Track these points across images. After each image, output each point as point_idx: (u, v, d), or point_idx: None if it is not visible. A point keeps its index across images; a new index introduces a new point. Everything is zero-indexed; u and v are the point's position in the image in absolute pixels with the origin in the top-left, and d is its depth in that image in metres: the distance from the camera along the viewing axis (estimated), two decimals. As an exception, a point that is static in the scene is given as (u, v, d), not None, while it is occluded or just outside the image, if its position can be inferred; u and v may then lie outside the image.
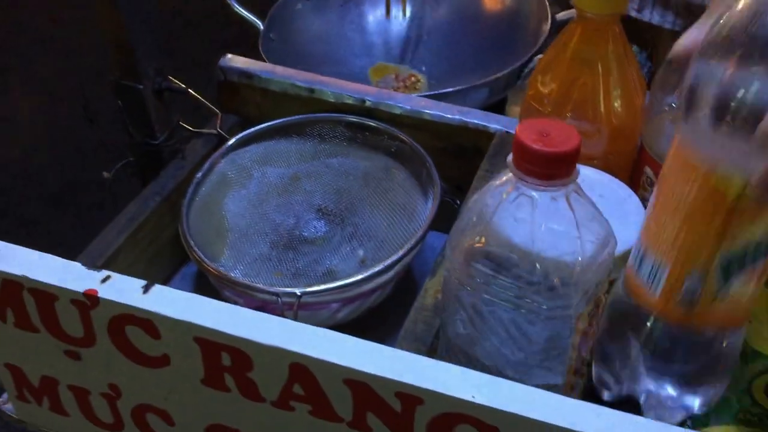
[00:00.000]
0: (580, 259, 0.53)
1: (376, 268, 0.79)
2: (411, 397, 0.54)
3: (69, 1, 3.04)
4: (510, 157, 0.53)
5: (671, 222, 0.55)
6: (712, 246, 0.54)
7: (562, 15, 1.10)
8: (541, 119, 0.53)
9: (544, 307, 0.54)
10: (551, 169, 0.51)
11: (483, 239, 0.55)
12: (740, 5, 0.49)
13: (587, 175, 0.72)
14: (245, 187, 0.94)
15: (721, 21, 0.49)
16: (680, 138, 0.54)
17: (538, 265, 0.54)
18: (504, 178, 0.54)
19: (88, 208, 2.33)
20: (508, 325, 0.56)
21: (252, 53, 1.07)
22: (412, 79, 1.24)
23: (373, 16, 1.29)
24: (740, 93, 0.48)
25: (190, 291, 0.90)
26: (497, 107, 1.07)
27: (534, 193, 0.53)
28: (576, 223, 0.53)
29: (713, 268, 0.55)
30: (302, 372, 0.56)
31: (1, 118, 2.67)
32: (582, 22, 0.73)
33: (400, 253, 0.81)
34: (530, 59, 1.07)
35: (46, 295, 0.59)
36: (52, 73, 2.80)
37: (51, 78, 2.79)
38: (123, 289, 0.58)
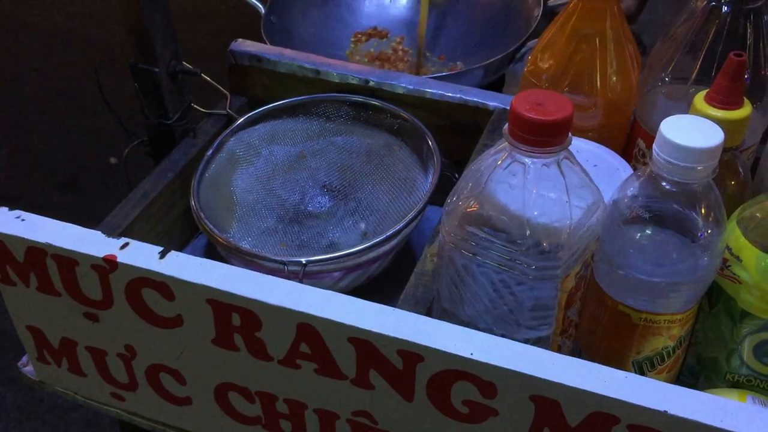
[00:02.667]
0: (568, 223, 0.55)
1: (377, 239, 0.81)
2: (412, 354, 0.56)
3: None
4: (506, 126, 0.55)
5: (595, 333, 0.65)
6: (625, 354, 0.64)
7: (553, 1, 1.12)
8: (537, 90, 0.55)
9: (533, 268, 0.56)
10: (543, 136, 0.53)
11: (477, 204, 0.57)
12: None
13: (582, 146, 0.74)
14: (253, 164, 0.96)
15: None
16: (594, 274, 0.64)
17: (528, 229, 0.56)
18: (499, 146, 0.56)
19: (94, 191, 2.35)
20: (498, 286, 0.58)
21: (239, 33, 1.09)
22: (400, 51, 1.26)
23: (370, 1, 1.31)
24: None
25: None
26: (490, 87, 1.09)
27: (527, 160, 0.55)
28: (566, 189, 0.55)
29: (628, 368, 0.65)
30: (309, 331, 0.58)
31: (13, 104, 2.69)
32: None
33: (400, 224, 0.82)
34: (523, 44, 1.08)
35: (68, 261, 0.61)
36: (68, 61, 2.82)
37: (66, 65, 2.80)
38: (140, 255, 0.61)
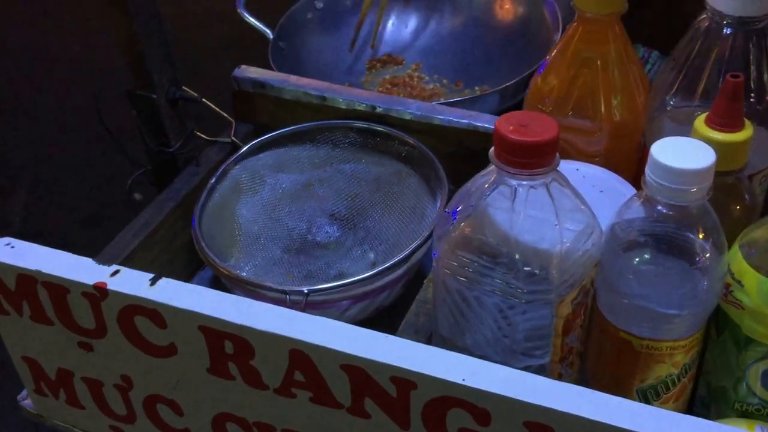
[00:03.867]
0: (559, 247, 0.58)
1: (383, 266, 0.84)
2: (405, 381, 0.59)
3: (82, 14, 3.13)
4: (492, 148, 0.58)
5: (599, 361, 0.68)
6: (629, 382, 0.67)
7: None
8: (522, 112, 0.58)
9: (525, 292, 0.59)
10: (528, 158, 0.56)
11: (467, 227, 0.60)
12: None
13: (589, 171, 0.76)
14: (258, 193, 1.00)
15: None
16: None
17: (517, 252, 0.58)
18: (488, 170, 0.59)
19: (119, 228, 2.39)
20: (492, 311, 0.61)
21: (262, 63, 1.12)
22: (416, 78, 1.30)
23: (382, 25, 1.34)
24: None
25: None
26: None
27: (514, 182, 0.58)
28: (556, 212, 0.58)
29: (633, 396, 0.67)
30: (302, 358, 0.61)
31: (33, 137, 2.75)
32: (582, 22, 0.77)
33: (407, 251, 0.85)
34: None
35: (58, 288, 0.65)
36: (88, 93, 2.87)
37: (87, 96, 2.86)
38: (131, 282, 0.64)
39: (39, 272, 0.65)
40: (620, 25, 0.77)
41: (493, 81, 1.24)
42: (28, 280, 0.65)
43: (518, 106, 1.16)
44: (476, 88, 1.26)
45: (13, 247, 0.66)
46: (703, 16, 0.72)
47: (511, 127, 0.56)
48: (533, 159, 0.56)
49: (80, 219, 2.46)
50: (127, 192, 0.98)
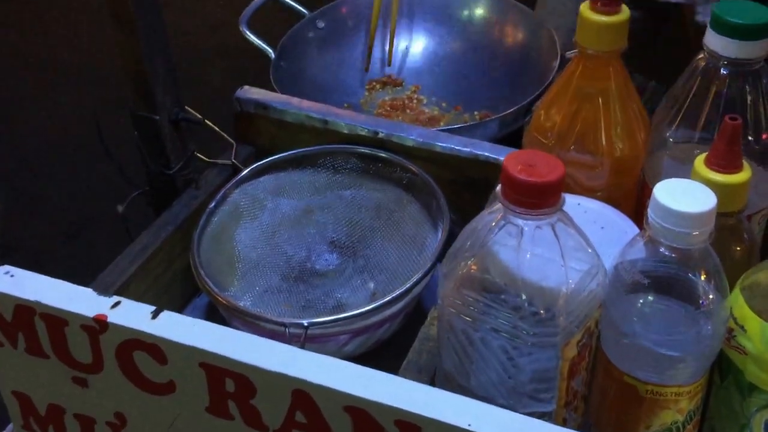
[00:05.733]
0: (564, 287, 0.58)
1: (383, 300, 0.83)
2: (409, 425, 0.58)
3: (86, 33, 3.12)
4: (498, 187, 0.57)
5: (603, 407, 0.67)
6: (634, 429, 0.66)
7: (571, 53, 1.14)
8: (529, 151, 0.57)
9: (531, 333, 0.58)
10: (535, 198, 0.56)
11: (473, 266, 0.60)
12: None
13: (590, 206, 0.76)
14: (257, 218, 0.99)
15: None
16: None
17: (524, 292, 0.58)
18: (494, 207, 0.59)
19: (101, 241, 2.37)
20: (497, 352, 0.60)
21: (265, 83, 1.12)
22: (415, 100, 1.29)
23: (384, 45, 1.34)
24: None
25: (201, 321, 0.94)
26: (506, 140, 1.12)
27: (520, 222, 0.57)
28: (561, 252, 0.57)
29: None
30: (304, 399, 0.60)
31: (15, 145, 2.72)
32: (584, 58, 0.78)
33: (407, 285, 0.84)
34: (539, 95, 1.11)
35: (57, 320, 0.64)
36: (69, 104, 2.86)
37: (67, 108, 2.84)
38: (132, 315, 0.63)
39: (38, 303, 0.63)
40: (620, 61, 0.78)
41: (491, 105, 1.24)
42: (26, 311, 0.64)
43: (518, 133, 1.15)
44: (475, 112, 1.26)
45: (12, 276, 0.65)
46: (700, 56, 0.73)
47: (518, 168, 0.56)
48: (540, 199, 0.56)
49: (63, 231, 2.44)
50: (122, 217, 0.97)
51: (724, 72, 0.72)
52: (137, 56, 0.88)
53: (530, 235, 0.57)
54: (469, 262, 0.60)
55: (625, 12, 0.75)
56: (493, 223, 0.58)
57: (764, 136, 0.72)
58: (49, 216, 2.50)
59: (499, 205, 0.58)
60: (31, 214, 2.50)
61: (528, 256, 0.57)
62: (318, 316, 0.84)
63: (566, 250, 0.58)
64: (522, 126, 1.16)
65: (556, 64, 1.14)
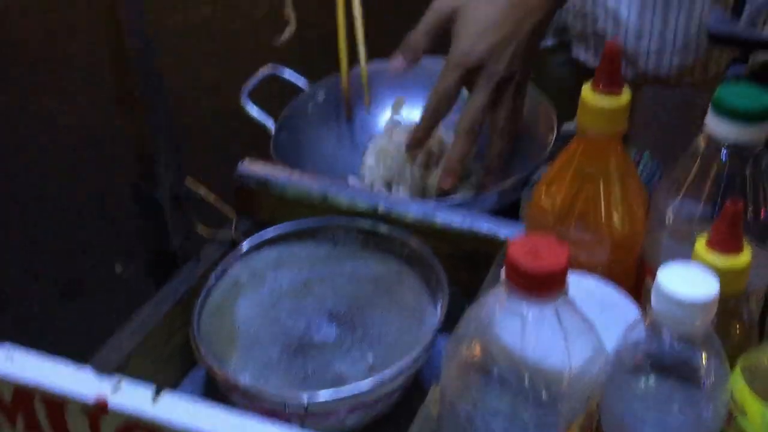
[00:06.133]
0: (567, 372, 0.58)
1: (384, 377, 0.83)
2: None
3: (91, 104, 3.15)
4: (502, 272, 0.57)
5: None
6: None
7: (568, 126, 1.15)
8: (534, 237, 0.58)
9: (534, 417, 0.58)
10: (540, 285, 0.56)
11: (477, 350, 0.60)
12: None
13: (589, 284, 0.76)
14: (257, 291, 0.99)
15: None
16: None
17: (527, 377, 0.58)
18: (498, 291, 0.59)
19: (97, 301, 2.37)
20: (500, 436, 0.60)
21: (259, 144, 1.13)
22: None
23: (382, 118, 1.35)
24: None
25: (199, 395, 0.94)
26: (505, 211, 1.12)
27: (524, 307, 0.58)
28: (564, 336, 0.58)
29: None
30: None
31: (11, 202, 2.73)
32: (585, 139, 0.78)
33: (408, 360, 0.84)
34: (537, 167, 1.12)
35: (57, 404, 0.64)
36: (71, 157, 2.87)
37: (70, 161, 2.86)
38: (133, 397, 0.63)
39: (38, 387, 0.63)
40: (621, 142, 0.79)
41: (487, 174, 1.24)
42: (26, 394, 0.64)
43: (515, 205, 1.16)
44: (472, 177, 1.26)
45: (13, 359, 0.65)
46: (700, 138, 0.73)
47: (524, 254, 0.56)
48: (545, 286, 0.56)
49: (59, 290, 2.44)
50: (122, 275, 0.97)
51: (725, 155, 0.72)
52: (143, 134, 0.89)
53: (534, 320, 0.57)
54: (472, 346, 0.60)
55: (627, 95, 0.76)
56: (497, 307, 0.59)
57: (763, 216, 0.72)
58: (44, 275, 2.49)
59: (503, 290, 0.58)
60: (26, 272, 2.50)
61: (531, 339, 0.57)
62: (318, 389, 0.83)
63: (569, 334, 0.58)
64: (519, 199, 1.17)
65: (554, 136, 1.15)
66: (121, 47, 0.81)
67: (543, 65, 1.44)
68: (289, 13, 0.84)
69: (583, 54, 1.45)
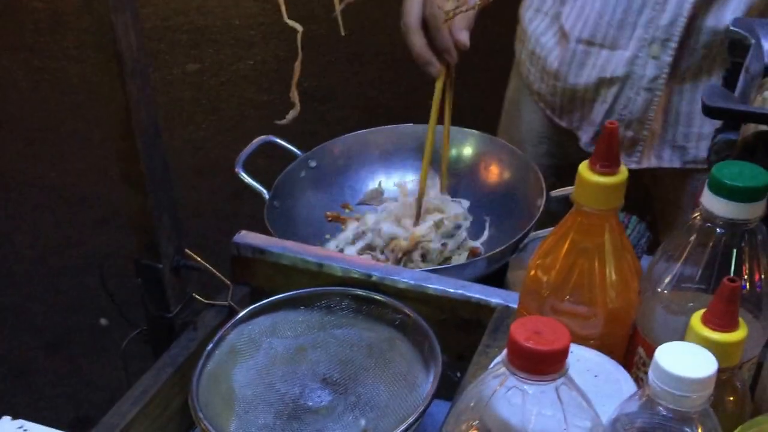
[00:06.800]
0: (567, 448, 0.59)
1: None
2: None
3: (56, 138, 3.19)
4: (504, 352, 0.59)
5: None
6: None
7: (556, 192, 1.18)
8: (535, 317, 0.60)
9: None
10: (541, 365, 0.58)
11: (477, 426, 0.61)
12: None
13: (584, 355, 0.78)
14: (253, 357, 1.00)
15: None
16: None
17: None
18: (499, 370, 0.61)
19: (83, 353, 2.37)
20: None
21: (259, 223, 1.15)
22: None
23: (372, 184, 1.37)
24: None
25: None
26: (495, 275, 1.15)
27: (525, 386, 0.59)
28: (564, 412, 0.59)
29: None
30: None
31: (1, 261, 2.74)
32: (580, 214, 0.80)
33: (402, 427, 0.86)
34: (526, 233, 1.14)
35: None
36: (60, 219, 2.89)
37: (59, 222, 2.88)
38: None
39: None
40: (616, 217, 0.80)
41: (477, 239, 1.27)
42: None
43: (504, 269, 1.18)
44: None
45: (25, 430, 0.66)
46: (696, 214, 0.74)
47: (525, 335, 0.58)
48: (547, 366, 0.58)
49: (46, 344, 2.44)
50: (122, 354, 0.98)
51: (721, 231, 0.73)
52: (147, 211, 0.91)
53: (534, 398, 0.59)
54: (472, 423, 0.61)
55: (623, 173, 0.77)
56: (498, 386, 0.60)
57: (758, 289, 0.74)
58: (31, 328, 2.50)
59: (503, 369, 0.60)
60: (14, 327, 2.51)
61: (531, 416, 0.59)
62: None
63: (568, 410, 0.59)
64: (507, 264, 1.20)
65: (542, 202, 1.18)
66: (129, 133, 0.84)
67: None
68: (295, 96, 0.87)
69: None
